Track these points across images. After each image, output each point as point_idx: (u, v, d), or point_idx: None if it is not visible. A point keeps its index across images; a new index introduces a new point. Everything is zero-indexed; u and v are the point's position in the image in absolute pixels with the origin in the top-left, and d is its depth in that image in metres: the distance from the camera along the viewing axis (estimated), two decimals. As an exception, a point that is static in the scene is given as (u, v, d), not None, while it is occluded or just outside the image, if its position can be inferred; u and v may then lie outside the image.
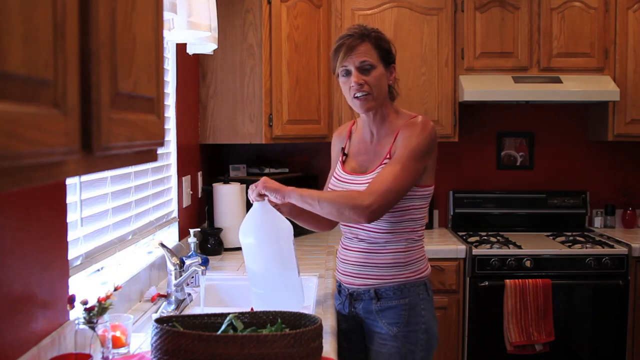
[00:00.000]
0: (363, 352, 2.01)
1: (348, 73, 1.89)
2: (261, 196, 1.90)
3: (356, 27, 1.93)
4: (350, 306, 2.00)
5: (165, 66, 2.65)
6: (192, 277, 2.19)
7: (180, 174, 2.81)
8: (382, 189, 1.77)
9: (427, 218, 3.56)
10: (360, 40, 1.88)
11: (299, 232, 3.45)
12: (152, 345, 1.42)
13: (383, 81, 1.90)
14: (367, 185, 1.85)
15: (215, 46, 2.50)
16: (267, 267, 1.91)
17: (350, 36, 1.89)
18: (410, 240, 1.92)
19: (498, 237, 3.42)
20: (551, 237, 3.47)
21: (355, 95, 1.88)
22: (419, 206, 1.91)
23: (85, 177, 1.76)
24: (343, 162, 2.04)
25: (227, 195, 3.07)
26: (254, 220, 1.91)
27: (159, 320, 1.48)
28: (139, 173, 2.28)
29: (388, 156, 1.88)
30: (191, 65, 3.05)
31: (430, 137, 1.86)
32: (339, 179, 2.00)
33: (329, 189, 2.03)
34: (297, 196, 1.83)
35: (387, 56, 1.91)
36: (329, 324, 1.94)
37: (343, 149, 2.07)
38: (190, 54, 2.57)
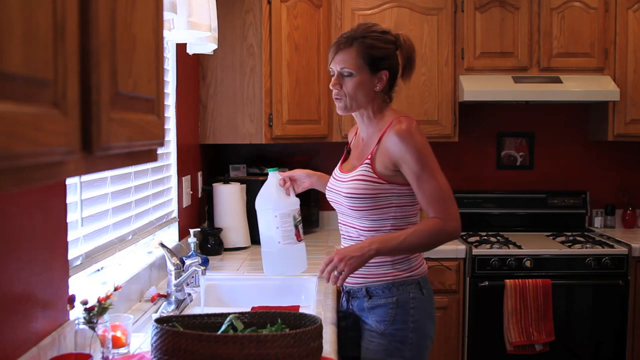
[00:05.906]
0: (359, 348, 2.02)
1: (333, 73, 1.92)
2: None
3: (355, 27, 1.93)
4: (348, 303, 2.03)
5: (165, 66, 2.65)
6: (192, 277, 2.19)
7: (180, 174, 2.81)
8: (445, 205, 1.84)
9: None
10: (347, 44, 1.87)
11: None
12: (152, 345, 1.42)
13: (363, 88, 1.88)
14: (348, 184, 1.89)
15: (215, 46, 2.50)
16: (277, 232, 2.06)
17: (342, 37, 1.90)
18: None
19: (498, 237, 3.42)
20: (551, 237, 3.47)
21: (334, 97, 1.94)
22: (400, 204, 1.89)
23: (85, 177, 1.76)
24: (344, 160, 2.07)
25: (227, 195, 3.07)
26: (270, 190, 2.09)
27: (159, 320, 1.48)
28: (139, 173, 2.28)
29: (369, 157, 1.89)
30: (191, 65, 3.05)
31: (420, 134, 1.86)
32: (333, 177, 2.04)
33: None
34: (385, 252, 1.85)
35: (376, 62, 1.87)
36: (329, 317, 1.96)
37: (347, 144, 2.12)
38: (190, 54, 2.58)
